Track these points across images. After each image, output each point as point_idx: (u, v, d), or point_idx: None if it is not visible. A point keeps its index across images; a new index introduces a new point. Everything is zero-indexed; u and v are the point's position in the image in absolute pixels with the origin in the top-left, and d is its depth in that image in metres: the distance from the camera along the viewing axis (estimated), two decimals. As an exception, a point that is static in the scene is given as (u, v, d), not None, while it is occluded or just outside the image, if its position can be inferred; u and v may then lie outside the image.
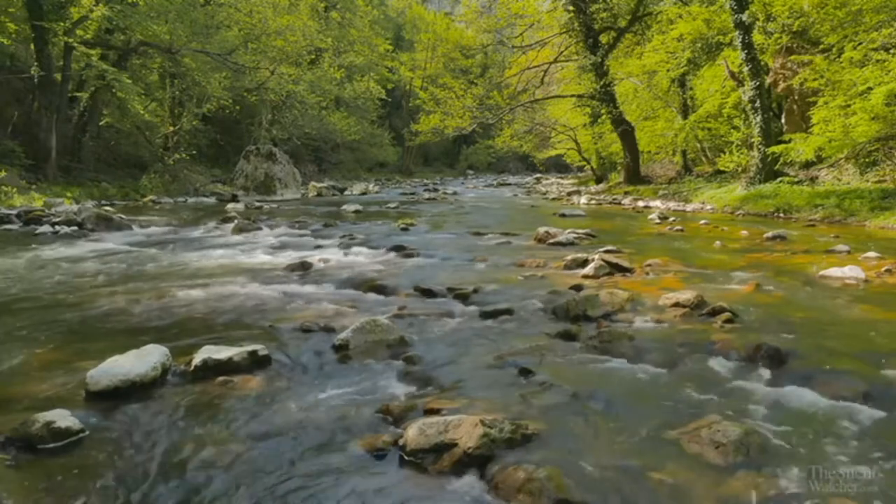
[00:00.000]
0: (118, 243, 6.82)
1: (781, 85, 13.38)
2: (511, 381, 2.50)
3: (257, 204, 14.04)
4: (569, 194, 18.86)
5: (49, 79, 13.68)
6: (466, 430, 1.88)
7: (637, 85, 19.28)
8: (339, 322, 3.29)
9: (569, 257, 5.18)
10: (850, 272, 4.53)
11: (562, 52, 20.52)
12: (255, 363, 2.62)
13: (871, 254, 5.44)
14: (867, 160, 11.02)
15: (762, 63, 12.93)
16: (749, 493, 1.68)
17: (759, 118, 12.19)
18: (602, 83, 17.72)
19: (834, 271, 4.63)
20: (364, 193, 20.49)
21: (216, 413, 2.18)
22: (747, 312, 3.44)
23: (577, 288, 4.09)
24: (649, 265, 5.02)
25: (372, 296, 4.15)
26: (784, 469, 1.80)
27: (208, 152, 22.53)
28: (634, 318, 3.41)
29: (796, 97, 13.00)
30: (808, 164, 12.44)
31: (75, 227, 7.94)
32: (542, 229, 6.99)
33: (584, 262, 4.94)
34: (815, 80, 10.61)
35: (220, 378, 2.47)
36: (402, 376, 2.57)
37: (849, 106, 9.31)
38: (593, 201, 15.79)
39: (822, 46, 11.03)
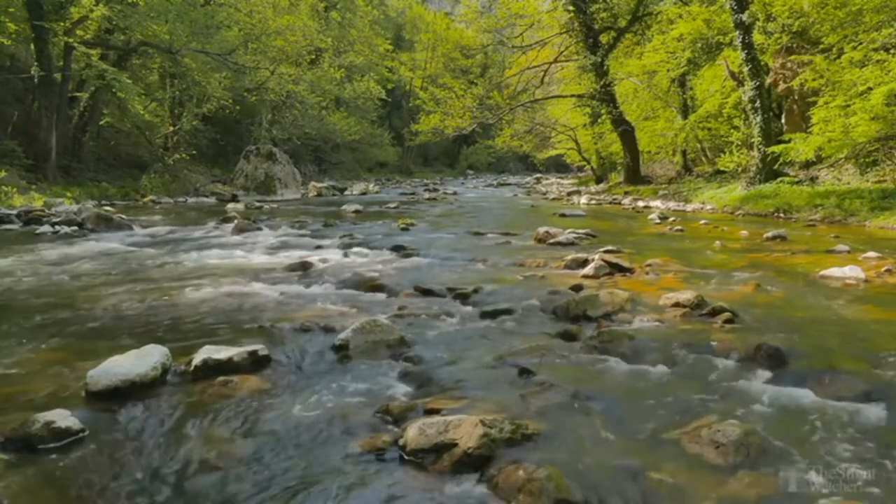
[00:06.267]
0: (118, 243, 6.81)
1: (781, 85, 13.38)
2: (511, 381, 2.50)
3: (257, 204, 14.04)
4: (569, 194, 18.86)
5: (49, 79, 13.67)
6: (466, 430, 1.88)
7: (637, 85, 19.29)
8: (339, 322, 3.29)
9: (569, 257, 5.18)
10: (850, 272, 4.53)
11: (562, 52, 20.53)
12: (255, 363, 2.61)
13: (871, 254, 5.44)
14: (867, 160, 11.02)
15: (762, 63, 12.94)
16: (749, 493, 1.68)
17: (759, 118, 12.19)
18: (602, 83, 17.73)
19: (834, 271, 4.63)
20: (364, 193, 20.48)
21: (216, 413, 2.18)
22: (747, 312, 3.44)
23: (577, 288, 4.09)
24: (649, 265, 5.02)
25: (372, 296, 4.15)
26: (784, 469, 1.80)
27: (208, 152, 22.51)
28: (634, 318, 3.41)
29: (796, 97, 13.00)
30: (808, 164, 12.44)
31: (75, 227, 7.94)
32: (542, 229, 6.99)
33: (584, 262, 4.94)
34: (815, 80, 10.61)
35: (221, 378, 2.46)
36: (402, 376, 2.57)
37: (849, 106, 9.31)
38: (593, 201, 15.80)
39: (822, 46, 11.03)
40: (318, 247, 6.52)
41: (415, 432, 1.92)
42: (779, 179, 11.81)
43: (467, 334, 3.20)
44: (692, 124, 16.19)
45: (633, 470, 1.80)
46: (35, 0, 13.18)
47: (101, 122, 17.11)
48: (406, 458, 1.88)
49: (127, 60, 16.96)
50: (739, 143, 14.19)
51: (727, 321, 3.25)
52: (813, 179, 11.85)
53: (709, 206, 12.48)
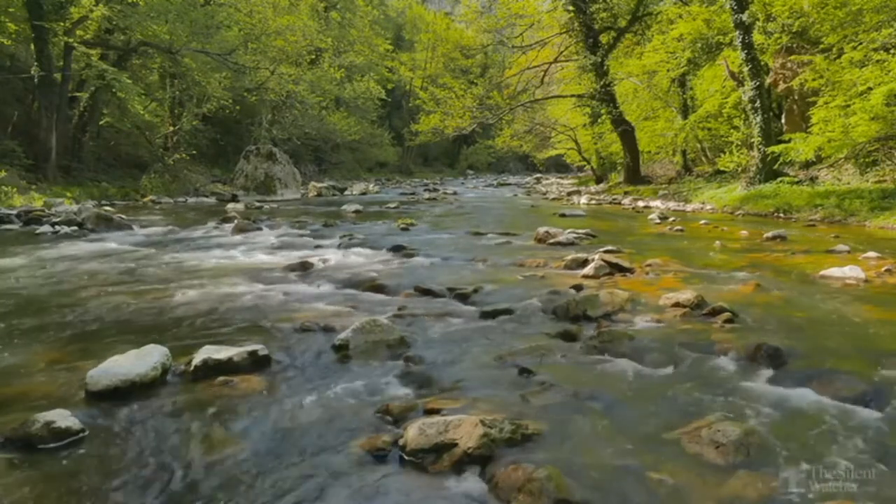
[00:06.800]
0: (118, 243, 6.81)
1: (781, 85, 13.38)
2: (511, 381, 2.50)
3: (257, 204, 14.04)
4: (569, 194, 18.86)
5: (49, 79, 13.67)
6: (466, 430, 1.88)
7: (637, 85, 19.28)
8: (339, 322, 3.29)
9: (569, 257, 5.18)
10: (850, 272, 4.53)
11: (562, 52, 20.53)
12: (255, 363, 2.61)
13: (871, 254, 5.44)
14: (867, 160, 11.02)
15: (762, 63, 12.93)
16: (749, 493, 1.68)
17: (759, 118, 12.19)
18: (602, 83, 17.73)
19: (834, 271, 4.62)
20: (364, 193, 20.49)
21: (216, 413, 2.18)
22: (747, 312, 3.44)
23: (577, 288, 4.09)
24: (649, 265, 5.02)
25: (372, 296, 4.14)
26: (784, 469, 1.79)
27: (208, 152, 22.51)
28: (634, 318, 3.41)
29: (796, 97, 13.00)
30: (807, 164, 12.44)
31: (75, 227, 7.94)
32: (542, 229, 6.99)
33: (584, 262, 4.94)
34: (815, 80, 10.61)
35: (220, 378, 2.46)
36: (402, 376, 2.57)
37: (849, 106, 9.31)
38: (593, 201, 15.79)
39: (822, 46, 11.02)
40: (318, 247, 6.52)
41: (415, 432, 1.92)
42: (779, 179, 11.81)
43: (467, 334, 3.19)
44: (692, 124, 16.19)
45: (633, 470, 1.80)
46: (35, 0, 13.18)
47: (101, 122, 17.11)
48: (406, 458, 1.88)
49: (127, 60, 16.96)
50: (739, 143, 14.19)
51: (727, 321, 3.25)
52: (813, 179, 11.85)
53: (709, 206, 12.48)
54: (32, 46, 14.13)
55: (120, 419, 2.12)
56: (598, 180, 23.49)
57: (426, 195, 18.43)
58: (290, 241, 7.07)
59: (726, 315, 3.31)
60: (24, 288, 4.35)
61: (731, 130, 14.95)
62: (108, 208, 10.81)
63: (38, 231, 7.65)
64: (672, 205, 13.46)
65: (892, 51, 9.09)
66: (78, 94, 15.74)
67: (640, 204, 14.17)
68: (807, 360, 2.70)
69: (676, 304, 3.55)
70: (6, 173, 11.33)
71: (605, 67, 17.91)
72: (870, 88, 8.88)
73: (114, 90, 14.96)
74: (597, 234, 7.32)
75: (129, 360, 2.41)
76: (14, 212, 9.12)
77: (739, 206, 11.46)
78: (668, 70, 16.50)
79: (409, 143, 36.23)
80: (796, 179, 11.84)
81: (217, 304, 3.80)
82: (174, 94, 19.01)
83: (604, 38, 18.69)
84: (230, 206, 13.62)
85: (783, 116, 14.33)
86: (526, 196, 20.00)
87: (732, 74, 13.59)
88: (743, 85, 12.70)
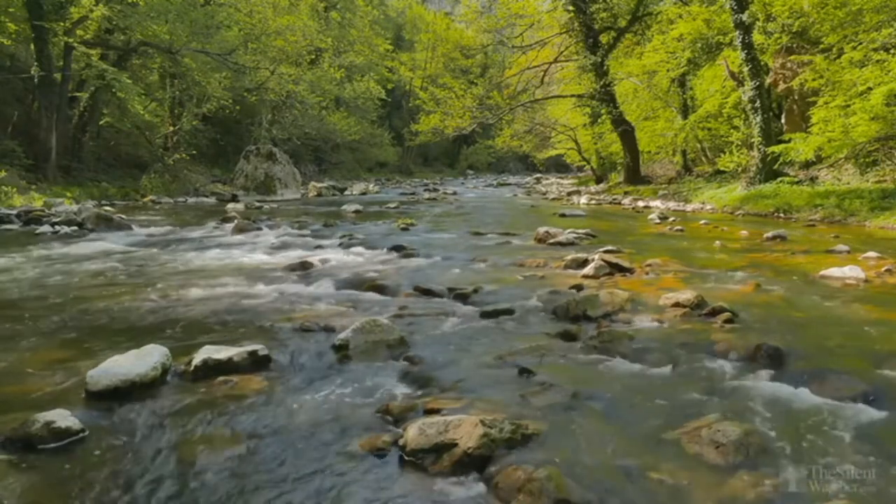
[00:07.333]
0: (118, 243, 6.81)
1: (781, 85, 13.38)
2: (511, 381, 2.50)
3: (257, 204, 14.04)
4: (569, 194, 18.86)
5: (49, 79, 13.66)
6: (466, 430, 1.88)
7: (637, 85, 19.29)
8: (339, 322, 3.29)
9: (569, 257, 5.18)
10: (850, 272, 4.53)
11: (562, 52, 20.54)
12: (255, 363, 2.61)
13: (871, 254, 5.44)
14: (867, 160, 11.02)
15: (762, 63, 12.94)
16: (749, 493, 1.68)
17: (759, 118, 12.19)
18: (602, 83, 17.73)
19: (834, 271, 4.63)
20: (364, 193, 20.48)
21: (216, 413, 2.18)
22: (747, 312, 3.44)
23: (578, 288, 4.09)
24: (649, 265, 5.02)
25: (372, 296, 4.14)
26: (784, 469, 1.80)
27: (208, 152, 22.51)
28: (634, 318, 3.41)
29: (796, 97, 13.00)
30: (807, 164, 12.44)
31: (75, 227, 7.95)
32: (542, 229, 6.99)
33: (584, 262, 4.94)
34: (815, 80, 10.61)
35: (220, 378, 2.46)
36: (402, 376, 2.57)
37: (849, 106, 9.31)
38: (593, 201, 15.80)
39: (822, 46, 11.03)
40: (318, 247, 6.52)
41: (415, 432, 1.92)
42: (779, 179, 11.82)
43: (467, 334, 3.20)
44: (692, 124, 16.19)
45: (633, 470, 1.80)
46: (35, 0, 13.18)
47: (101, 122, 17.10)
48: (406, 458, 1.88)
49: (127, 60, 16.96)
50: (739, 143, 14.20)
51: (727, 321, 3.25)
52: (813, 179, 11.85)
53: (709, 206, 12.48)
54: (32, 46, 14.11)
55: (120, 419, 2.12)
56: (598, 180, 23.50)
57: (426, 195, 18.43)
58: (290, 241, 7.07)
59: (726, 315, 3.31)
60: (24, 288, 4.35)
61: (731, 130, 14.95)
62: (108, 208, 10.81)
63: (37, 231, 7.64)
64: (672, 205, 13.46)
65: (892, 51, 9.09)
66: (78, 94, 15.73)
67: (640, 204, 14.17)
68: (807, 360, 2.70)
69: (676, 304, 3.55)
70: (6, 173, 11.32)
71: (605, 67, 17.91)
72: (870, 88, 8.88)
73: (114, 90, 14.95)
74: (597, 234, 7.32)
75: (129, 360, 2.41)
76: (14, 212, 9.12)
77: (739, 206, 11.46)
78: (668, 70, 16.50)
79: (409, 143, 36.23)
80: (796, 179, 11.84)
81: (217, 304, 3.80)
82: (174, 94, 19.00)
83: (604, 38, 18.69)
84: (230, 206, 13.61)
85: (783, 116, 14.33)
86: (526, 196, 20.01)
87: (732, 74, 13.59)
88: (743, 85, 12.70)
